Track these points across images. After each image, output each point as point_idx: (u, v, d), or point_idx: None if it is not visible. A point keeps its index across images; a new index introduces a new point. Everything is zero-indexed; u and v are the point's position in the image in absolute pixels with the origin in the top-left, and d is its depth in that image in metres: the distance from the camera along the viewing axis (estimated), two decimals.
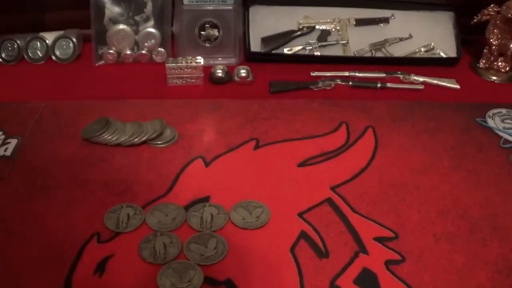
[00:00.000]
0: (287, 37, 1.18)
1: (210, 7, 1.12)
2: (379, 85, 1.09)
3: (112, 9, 1.12)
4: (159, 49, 1.14)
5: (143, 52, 1.14)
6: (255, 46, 1.16)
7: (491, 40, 1.15)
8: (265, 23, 1.18)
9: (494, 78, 1.16)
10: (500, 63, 1.16)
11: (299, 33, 1.18)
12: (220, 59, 1.15)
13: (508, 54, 1.15)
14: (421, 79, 1.12)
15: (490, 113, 1.02)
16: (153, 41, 1.14)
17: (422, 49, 1.19)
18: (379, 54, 1.18)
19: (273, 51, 1.17)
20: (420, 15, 1.22)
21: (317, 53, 1.17)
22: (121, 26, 1.12)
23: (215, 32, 1.13)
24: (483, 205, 0.81)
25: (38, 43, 1.14)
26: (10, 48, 1.13)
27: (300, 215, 0.78)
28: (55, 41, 1.14)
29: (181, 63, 1.06)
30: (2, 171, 0.83)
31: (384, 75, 1.12)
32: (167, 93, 1.06)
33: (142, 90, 1.06)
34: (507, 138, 0.96)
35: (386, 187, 0.84)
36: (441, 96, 1.09)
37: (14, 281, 0.67)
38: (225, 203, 0.79)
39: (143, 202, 0.79)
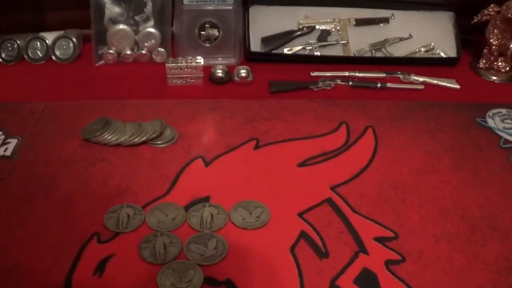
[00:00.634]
0: (287, 37, 1.18)
1: (210, 7, 1.12)
2: (379, 85, 1.10)
3: (112, 9, 1.12)
4: (159, 49, 1.14)
5: (143, 52, 1.14)
6: (255, 46, 1.16)
7: (491, 40, 1.15)
8: (265, 23, 1.18)
9: (494, 78, 1.16)
10: (500, 63, 1.16)
11: (299, 33, 1.18)
12: (220, 59, 1.15)
13: (508, 54, 1.15)
14: (421, 79, 1.12)
15: (490, 113, 1.02)
16: (153, 41, 1.14)
17: (422, 49, 1.19)
18: (379, 54, 1.18)
19: (273, 51, 1.17)
20: (420, 15, 1.22)
21: (317, 53, 1.17)
22: (121, 26, 1.12)
23: (215, 32, 1.13)
24: (483, 205, 0.81)
25: (38, 43, 1.14)
26: (10, 48, 1.13)
27: (300, 215, 0.78)
28: (55, 41, 1.14)
29: (181, 63, 1.06)
30: (2, 171, 0.83)
31: (384, 75, 1.12)
32: (167, 93, 1.06)
33: (142, 90, 1.06)
34: (507, 138, 0.96)
35: (386, 187, 0.84)
36: (441, 96, 1.09)
37: (14, 281, 0.67)
38: (225, 203, 0.79)
39: (143, 202, 0.79)
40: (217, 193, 0.81)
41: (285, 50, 1.17)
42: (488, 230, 0.77)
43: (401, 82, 1.12)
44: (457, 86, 1.12)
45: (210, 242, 0.72)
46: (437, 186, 0.85)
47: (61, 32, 1.15)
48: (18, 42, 1.13)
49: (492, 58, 1.17)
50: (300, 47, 1.17)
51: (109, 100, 1.02)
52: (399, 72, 1.13)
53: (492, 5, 1.13)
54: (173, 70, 1.06)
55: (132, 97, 1.03)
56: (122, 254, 0.71)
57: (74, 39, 1.14)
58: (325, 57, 1.17)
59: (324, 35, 1.18)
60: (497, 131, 0.98)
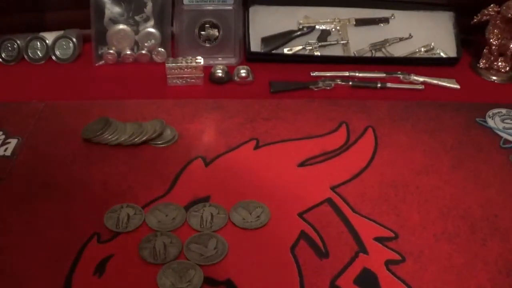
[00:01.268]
0: (287, 37, 1.18)
1: (210, 7, 1.12)
2: (379, 85, 1.10)
3: (112, 9, 1.12)
4: (159, 49, 1.14)
5: (143, 52, 1.14)
6: (255, 46, 1.16)
7: (491, 40, 1.15)
8: (265, 23, 1.18)
9: (494, 78, 1.16)
10: (500, 63, 1.16)
11: (299, 33, 1.18)
12: (220, 59, 1.15)
13: (508, 54, 1.15)
14: (421, 79, 1.12)
15: (490, 113, 1.02)
16: (153, 41, 1.14)
17: (422, 49, 1.19)
18: (379, 54, 1.18)
19: (273, 51, 1.17)
20: (420, 15, 1.22)
21: (317, 53, 1.17)
22: (121, 26, 1.12)
23: (215, 32, 1.13)
24: (483, 205, 0.81)
25: (38, 43, 1.14)
26: (10, 48, 1.13)
27: (300, 215, 0.78)
28: (55, 41, 1.14)
29: (181, 63, 1.06)
30: (2, 171, 0.83)
31: (384, 75, 1.12)
32: (167, 93, 1.06)
33: (142, 90, 1.06)
34: (507, 138, 0.96)
35: (386, 187, 0.84)
36: (441, 96, 1.09)
37: (14, 281, 0.67)
38: (225, 203, 0.79)
39: (143, 202, 0.79)
40: (217, 193, 0.81)
41: (285, 50, 1.17)
42: (488, 230, 0.77)
43: (401, 82, 1.12)
44: (457, 86, 1.12)
45: (210, 242, 0.72)
46: (437, 186, 0.85)
47: (61, 32, 1.15)
48: (18, 42, 1.13)
49: (492, 58, 1.17)
50: (300, 47, 1.17)
51: (109, 100, 1.02)
52: (399, 72, 1.13)
53: (492, 5, 1.13)
54: (173, 70, 1.06)
55: (132, 97, 1.03)
56: (122, 254, 0.71)
57: (74, 39, 1.14)
58: (325, 57, 1.16)
59: (324, 35, 1.18)
60: (497, 131, 0.98)
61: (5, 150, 0.88)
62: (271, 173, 0.86)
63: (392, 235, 0.75)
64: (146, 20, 1.14)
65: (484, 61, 1.18)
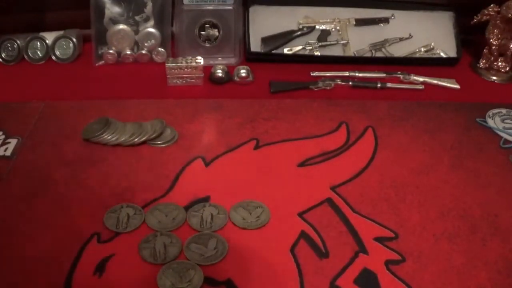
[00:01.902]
0: (287, 37, 1.18)
1: (210, 7, 1.12)
2: (379, 85, 1.09)
3: (112, 9, 1.12)
4: (159, 49, 1.14)
5: (143, 52, 1.14)
6: (255, 46, 1.16)
7: (491, 40, 1.15)
8: (265, 23, 1.18)
9: (494, 78, 1.16)
10: (500, 63, 1.16)
11: (299, 33, 1.18)
12: (220, 59, 1.15)
13: (508, 54, 1.15)
14: (421, 79, 1.12)
15: (490, 113, 1.02)
16: (153, 41, 1.14)
17: (422, 49, 1.19)
18: (379, 54, 1.18)
19: (273, 51, 1.17)
20: (420, 15, 1.22)
21: (317, 53, 1.17)
22: (121, 26, 1.12)
23: (215, 32, 1.13)
24: (483, 205, 0.81)
25: (38, 43, 1.14)
26: (10, 48, 1.13)
27: (300, 215, 0.78)
28: (55, 41, 1.14)
29: (181, 63, 1.06)
30: (2, 171, 0.83)
31: (384, 75, 1.12)
32: (167, 93, 1.06)
33: (142, 90, 1.06)
34: (507, 138, 0.96)
35: (386, 187, 0.84)
36: (441, 96, 1.09)
37: (14, 281, 0.67)
38: (225, 203, 0.79)
39: (143, 202, 0.79)
40: (217, 193, 0.81)
41: (285, 50, 1.17)
42: (488, 230, 0.77)
43: (401, 82, 1.12)
44: (457, 86, 1.12)
45: (210, 242, 0.72)
46: (437, 186, 0.85)
47: (61, 32, 1.15)
48: (18, 42, 1.13)
49: (492, 58, 1.17)
50: (300, 47, 1.17)
51: (109, 100, 1.02)
52: (399, 72, 1.13)
53: (492, 5, 1.13)
54: (173, 70, 1.06)
55: (132, 97, 1.03)
56: (122, 254, 0.71)
57: (74, 39, 1.14)
58: (325, 57, 1.16)
59: (324, 35, 1.18)
60: (497, 131, 0.98)
61: (5, 150, 0.88)
62: (271, 173, 0.86)
63: (392, 235, 0.75)
64: (146, 20, 1.14)
65: (484, 61, 1.18)
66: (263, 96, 1.05)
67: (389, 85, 1.10)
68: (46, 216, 0.76)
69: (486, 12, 1.13)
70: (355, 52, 1.18)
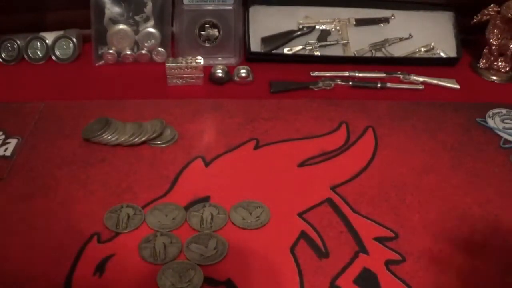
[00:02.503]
0: (287, 37, 1.18)
1: (210, 7, 1.12)
2: (379, 85, 1.09)
3: (112, 9, 1.12)
4: (159, 49, 1.14)
5: (143, 52, 1.14)
6: (255, 46, 1.16)
7: (491, 40, 1.15)
8: (265, 23, 1.18)
9: (494, 78, 1.16)
10: (500, 63, 1.16)
11: (299, 33, 1.18)
12: (220, 59, 1.15)
13: (508, 54, 1.15)
14: (421, 79, 1.12)
15: (490, 113, 1.02)
16: (153, 41, 1.14)
17: (422, 49, 1.19)
18: (379, 54, 1.18)
19: (273, 51, 1.17)
20: (420, 15, 1.22)
21: (317, 53, 1.17)
22: (121, 26, 1.12)
23: (215, 32, 1.13)
24: (483, 205, 0.81)
25: (38, 43, 1.14)
26: (10, 48, 1.13)
27: (300, 215, 0.78)
28: (55, 41, 1.14)
29: (181, 63, 1.06)
30: (2, 171, 0.83)
31: (384, 75, 1.12)
32: (167, 93, 1.06)
33: (142, 90, 1.06)
34: (507, 138, 0.96)
35: (386, 187, 0.84)
36: (441, 96, 1.09)
37: (14, 281, 0.67)
38: (225, 203, 0.79)
39: (143, 202, 0.79)
40: (217, 193, 0.81)
41: (285, 50, 1.17)
42: (488, 230, 0.77)
43: (401, 82, 1.12)
44: (457, 86, 1.12)
45: (210, 242, 0.72)
46: (437, 186, 0.85)
47: (61, 32, 1.15)
48: (18, 42, 1.13)
49: (492, 58, 1.17)
50: (300, 47, 1.17)
51: (109, 100, 1.02)
52: (399, 72, 1.13)
53: (492, 5, 1.13)
54: (173, 70, 1.06)
55: (132, 97, 1.03)
56: (122, 254, 0.71)
57: (74, 39, 1.14)
58: (325, 57, 1.16)
59: (324, 35, 1.18)
60: (497, 131, 0.98)
61: (5, 150, 0.88)
62: (271, 173, 0.86)
63: (392, 235, 0.75)
64: (146, 20, 1.13)
65: (484, 61, 1.18)
66: (263, 96, 1.05)
67: (389, 85, 1.10)
68: (46, 216, 0.76)
69: (486, 12, 1.13)
70: (355, 52, 1.18)
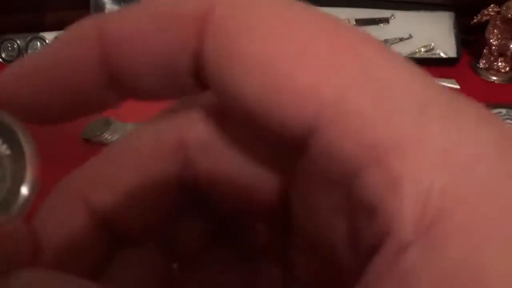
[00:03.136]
0: None
1: None
2: None
3: (112, 9, 1.12)
4: None
5: None
6: None
7: (491, 40, 1.15)
8: None
9: (494, 78, 1.16)
10: (500, 63, 1.16)
11: None
12: None
13: (508, 54, 1.15)
14: None
15: None
16: None
17: (422, 49, 1.19)
18: None
19: None
20: (420, 15, 1.21)
21: None
22: None
23: None
24: None
25: (38, 43, 1.14)
26: (10, 48, 1.13)
27: None
28: None
29: None
30: None
31: None
32: None
33: None
34: None
35: None
36: None
37: None
38: None
39: None
40: None
41: None
42: None
43: None
44: (457, 86, 1.12)
45: None
46: None
47: (61, 32, 1.14)
48: (18, 42, 1.13)
49: (492, 58, 1.17)
50: None
51: None
52: None
53: (492, 5, 1.13)
54: None
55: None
56: None
57: None
58: None
59: None
60: None
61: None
62: None
63: None
64: None
65: (484, 61, 1.18)
66: None
67: None
68: None
69: (486, 12, 1.13)
70: None
